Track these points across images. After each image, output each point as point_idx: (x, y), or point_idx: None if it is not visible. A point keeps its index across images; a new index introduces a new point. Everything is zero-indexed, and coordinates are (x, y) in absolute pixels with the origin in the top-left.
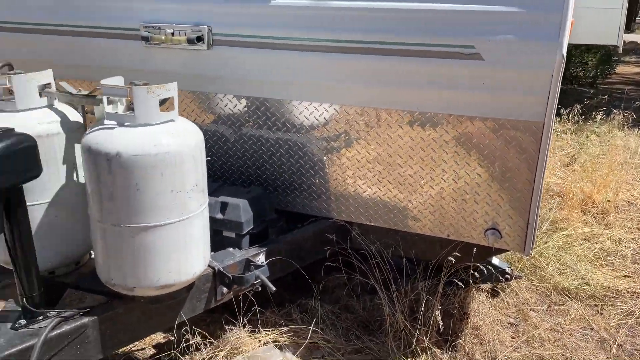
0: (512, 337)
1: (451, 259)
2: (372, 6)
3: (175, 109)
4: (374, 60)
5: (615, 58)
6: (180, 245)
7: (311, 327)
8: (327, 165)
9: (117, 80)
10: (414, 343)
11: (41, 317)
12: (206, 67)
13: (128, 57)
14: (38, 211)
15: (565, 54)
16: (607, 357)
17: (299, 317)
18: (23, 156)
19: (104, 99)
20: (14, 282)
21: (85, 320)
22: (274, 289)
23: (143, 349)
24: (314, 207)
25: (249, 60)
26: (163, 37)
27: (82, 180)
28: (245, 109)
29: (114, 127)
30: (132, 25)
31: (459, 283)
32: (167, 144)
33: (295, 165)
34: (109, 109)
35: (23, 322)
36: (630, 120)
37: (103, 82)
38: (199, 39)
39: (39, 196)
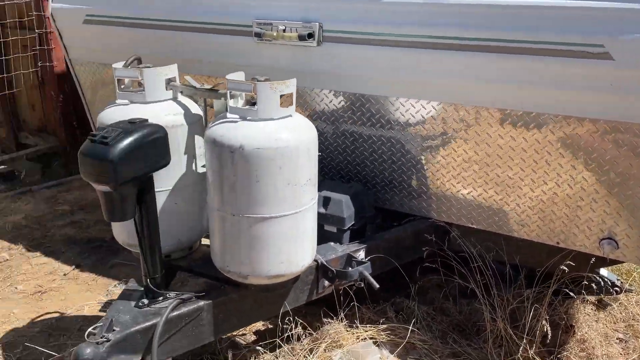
0: (622, 354)
1: (564, 267)
2: (489, 2)
3: (293, 104)
4: (490, 58)
5: None
6: (292, 237)
7: (410, 327)
8: (429, 164)
9: (239, 76)
10: (519, 352)
11: (161, 298)
12: (314, 64)
13: (238, 52)
14: (161, 198)
15: None
16: None
17: (393, 315)
18: (157, 146)
19: (228, 93)
20: (121, 262)
21: (201, 303)
22: (377, 286)
23: (244, 334)
24: (413, 206)
25: (356, 57)
26: (275, 34)
27: (199, 170)
28: (349, 105)
29: (237, 121)
30: (245, 22)
31: (571, 293)
32: (286, 139)
33: (397, 163)
34: (231, 102)
35: (145, 301)
36: None
37: (228, 77)
38: (310, 35)
39: (163, 184)
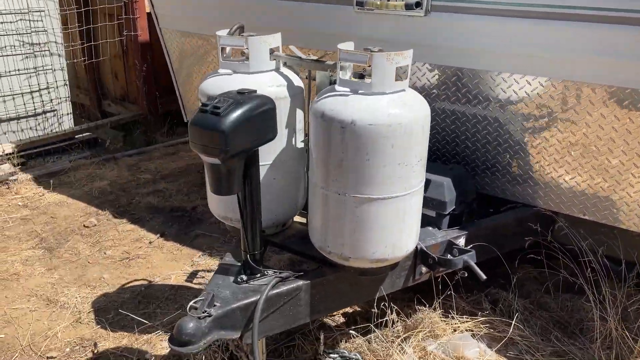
0: None
1: None
2: None
3: (408, 77)
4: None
5: None
6: (399, 221)
7: (513, 322)
8: (538, 148)
9: (348, 46)
10: (636, 358)
11: (259, 275)
12: (418, 35)
13: (334, 22)
14: (261, 172)
15: None
16: None
17: (489, 307)
18: (266, 118)
19: (338, 64)
20: (204, 233)
21: (300, 283)
22: (484, 277)
23: (333, 316)
24: (517, 193)
25: (467, 28)
26: (379, 2)
27: (299, 145)
28: (454, 80)
29: (348, 94)
30: None
31: None
32: (400, 115)
33: (502, 146)
34: (340, 74)
35: (244, 277)
36: None
37: (340, 46)
38: (418, 4)
39: (263, 158)
